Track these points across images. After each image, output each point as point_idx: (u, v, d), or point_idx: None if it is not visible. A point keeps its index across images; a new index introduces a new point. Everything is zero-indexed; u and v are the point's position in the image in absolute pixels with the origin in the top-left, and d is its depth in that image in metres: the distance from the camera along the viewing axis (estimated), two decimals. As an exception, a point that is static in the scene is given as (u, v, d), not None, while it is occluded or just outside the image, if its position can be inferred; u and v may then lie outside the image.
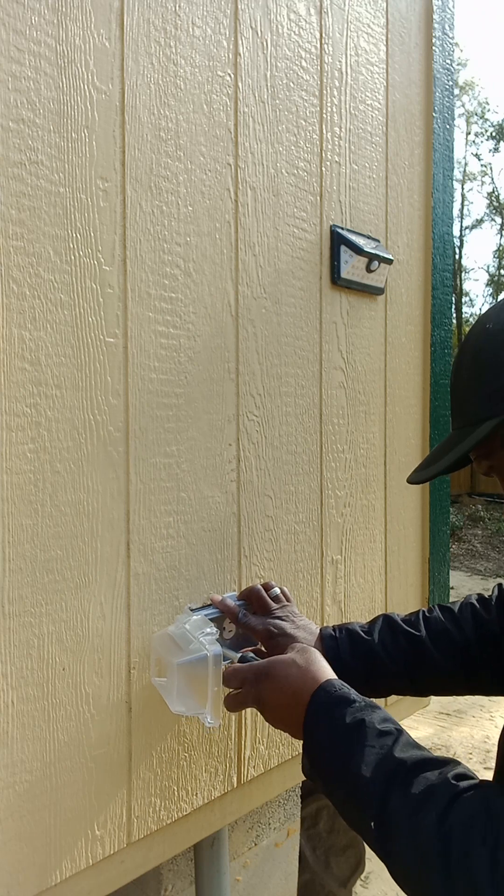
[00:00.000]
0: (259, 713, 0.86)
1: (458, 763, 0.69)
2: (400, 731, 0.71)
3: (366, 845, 1.80)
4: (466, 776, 0.66)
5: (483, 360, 0.74)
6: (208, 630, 0.93)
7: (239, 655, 0.92)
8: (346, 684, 0.78)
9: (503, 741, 0.76)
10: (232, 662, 0.91)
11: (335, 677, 0.79)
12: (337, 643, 1.01)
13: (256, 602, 1.03)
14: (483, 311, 0.78)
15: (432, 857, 0.61)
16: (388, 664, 0.99)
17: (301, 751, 0.78)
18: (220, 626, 1.03)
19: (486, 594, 1.06)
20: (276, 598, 1.03)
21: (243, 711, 1.13)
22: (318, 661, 0.81)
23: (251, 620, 1.00)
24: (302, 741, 0.77)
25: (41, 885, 0.85)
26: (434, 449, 0.82)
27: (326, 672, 0.80)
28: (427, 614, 1.05)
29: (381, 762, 0.68)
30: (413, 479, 0.83)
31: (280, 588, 1.05)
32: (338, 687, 0.77)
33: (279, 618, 1.00)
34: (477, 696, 3.78)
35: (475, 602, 1.04)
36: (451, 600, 1.15)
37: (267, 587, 1.05)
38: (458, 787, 0.64)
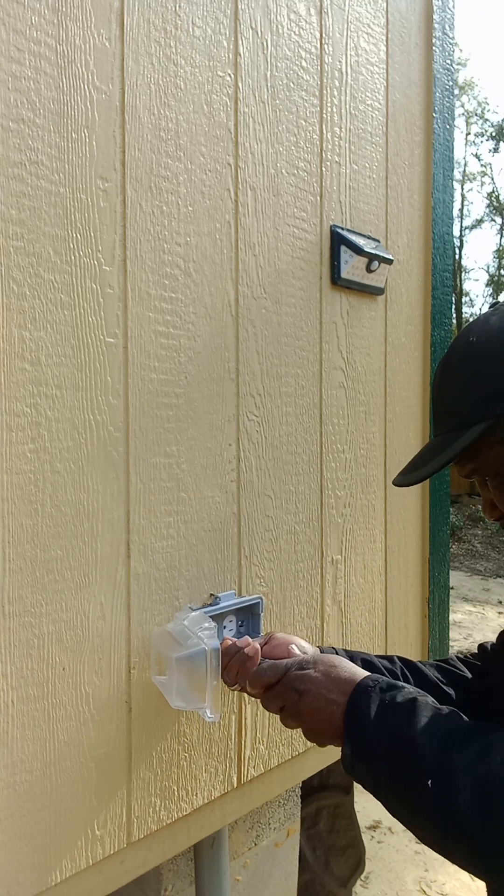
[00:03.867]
0: (283, 708, 0.82)
1: None
2: (452, 710, 0.73)
3: (373, 845, 1.79)
4: None
5: (470, 371, 0.78)
6: (206, 625, 0.93)
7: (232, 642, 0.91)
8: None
9: None
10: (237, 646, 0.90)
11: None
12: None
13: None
14: (467, 324, 0.84)
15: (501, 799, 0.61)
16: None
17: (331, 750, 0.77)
18: (220, 623, 1.03)
19: (466, 651, 1.09)
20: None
21: (243, 712, 1.13)
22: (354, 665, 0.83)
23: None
24: (343, 727, 0.75)
25: (41, 884, 0.85)
26: (419, 453, 0.86)
27: (364, 671, 0.81)
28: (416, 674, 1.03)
29: (436, 726, 0.69)
30: (400, 482, 0.85)
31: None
32: (383, 678, 0.78)
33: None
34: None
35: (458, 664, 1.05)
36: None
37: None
38: None
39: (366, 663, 0.99)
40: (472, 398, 0.77)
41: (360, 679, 0.77)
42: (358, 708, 0.74)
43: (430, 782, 0.66)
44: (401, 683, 0.76)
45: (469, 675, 1.02)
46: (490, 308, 0.84)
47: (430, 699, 0.74)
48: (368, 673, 0.80)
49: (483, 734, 0.68)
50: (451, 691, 0.99)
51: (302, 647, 0.96)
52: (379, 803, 0.73)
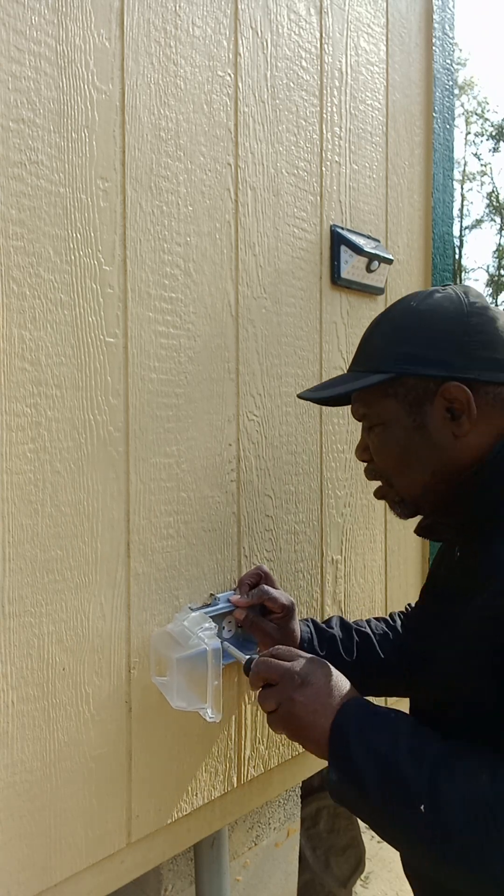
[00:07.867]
0: (272, 713, 0.81)
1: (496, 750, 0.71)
2: (432, 733, 0.73)
3: (380, 847, 1.79)
4: None
5: (397, 329, 0.86)
6: (207, 625, 0.93)
7: (247, 657, 0.87)
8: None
9: None
10: (252, 657, 0.89)
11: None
12: (310, 632, 1.08)
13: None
14: (419, 291, 0.92)
15: (492, 826, 0.62)
16: (344, 656, 1.07)
17: (311, 757, 0.77)
18: (220, 623, 1.03)
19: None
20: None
21: (243, 712, 1.13)
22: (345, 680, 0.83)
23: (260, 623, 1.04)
24: (328, 751, 0.75)
25: (41, 884, 0.85)
26: (330, 378, 0.94)
27: (354, 691, 0.81)
28: (368, 621, 1.14)
29: (422, 754, 0.70)
30: (303, 395, 0.94)
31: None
32: (368, 702, 0.78)
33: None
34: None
35: (399, 616, 1.15)
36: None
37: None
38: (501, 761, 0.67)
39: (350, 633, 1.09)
40: (389, 351, 0.85)
41: (345, 701, 0.77)
42: (342, 732, 0.74)
43: (422, 807, 0.66)
44: (383, 708, 0.76)
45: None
46: (442, 286, 0.89)
47: (410, 721, 0.75)
48: (356, 695, 0.79)
49: (466, 756, 0.69)
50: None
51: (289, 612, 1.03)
52: None
